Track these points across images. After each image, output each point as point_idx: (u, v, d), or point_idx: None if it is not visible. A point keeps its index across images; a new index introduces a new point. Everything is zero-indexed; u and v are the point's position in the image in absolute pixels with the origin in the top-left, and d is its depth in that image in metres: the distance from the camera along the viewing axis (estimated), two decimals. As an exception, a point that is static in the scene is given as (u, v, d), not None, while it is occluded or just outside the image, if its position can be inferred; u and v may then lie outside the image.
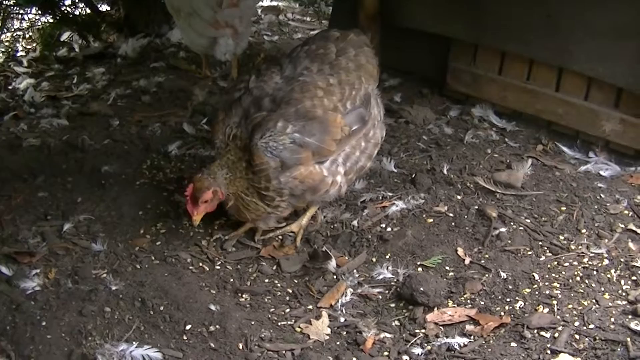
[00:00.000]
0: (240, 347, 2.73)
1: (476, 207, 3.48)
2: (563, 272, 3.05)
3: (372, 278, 3.13)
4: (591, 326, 2.73)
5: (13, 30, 7.13)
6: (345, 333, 2.86)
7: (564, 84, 4.16)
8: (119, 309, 2.84)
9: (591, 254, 3.14)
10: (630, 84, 3.83)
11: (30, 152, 4.13)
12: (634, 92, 3.85)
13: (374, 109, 3.41)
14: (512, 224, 3.36)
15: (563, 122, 4.17)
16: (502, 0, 4.26)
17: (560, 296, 2.91)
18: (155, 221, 3.47)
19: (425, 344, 2.74)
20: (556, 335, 2.70)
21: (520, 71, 4.33)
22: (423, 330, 2.82)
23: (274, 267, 3.25)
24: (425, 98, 4.72)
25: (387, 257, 3.24)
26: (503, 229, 3.31)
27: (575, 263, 3.10)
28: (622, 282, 2.97)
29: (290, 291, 3.11)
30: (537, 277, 3.03)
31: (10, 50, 6.71)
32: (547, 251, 3.20)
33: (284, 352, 2.73)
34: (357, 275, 3.14)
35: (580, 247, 3.19)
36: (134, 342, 2.66)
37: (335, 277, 3.15)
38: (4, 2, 6.33)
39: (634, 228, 3.28)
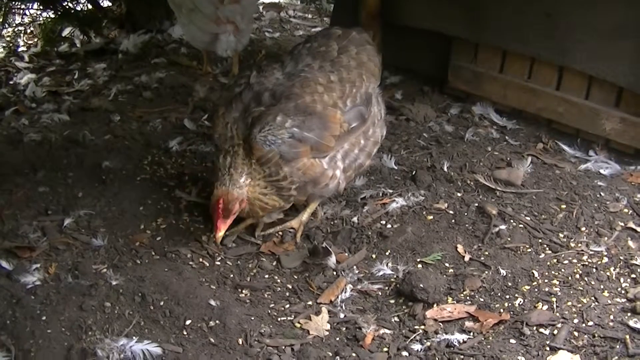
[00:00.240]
0: (240, 343, 2.74)
1: (476, 204, 3.49)
2: (562, 270, 3.06)
3: (372, 274, 3.13)
4: (590, 323, 2.73)
5: (14, 25, 7.14)
6: (344, 329, 2.86)
7: (565, 82, 4.16)
8: (119, 304, 2.85)
9: (591, 252, 3.15)
10: (631, 82, 3.84)
11: (31, 147, 4.13)
12: (634, 91, 3.86)
13: (374, 107, 3.41)
14: (512, 221, 3.37)
15: (563, 121, 4.18)
16: (503, -2, 4.27)
17: (559, 293, 2.92)
18: (155, 217, 3.47)
19: (425, 340, 2.75)
20: (555, 332, 2.71)
21: (521, 69, 4.33)
22: (422, 327, 2.83)
23: (274, 263, 3.25)
24: (426, 96, 4.72)
25: (387, 253, 3.25)
26: (503, 227, 3.32)
27: (575, 261, 3.11)
28: (622, 279, 2.98)
29: (290, 287, 3.11)
30: (536, 274, 3.04)
31: (11, 45, 6.72)
32: (547, 249, 3.20)
33: (283, 347, 2.74)
34: (356, 272, 3.15)
35: (579, 245, 3.20)
36: (134, 337, 2.66)
37: (335, 273, 3.15)
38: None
39: (633, 226, 3.29)
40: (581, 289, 2.94)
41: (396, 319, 2.91)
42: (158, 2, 6.03)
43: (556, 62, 4.12)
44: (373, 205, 3.55)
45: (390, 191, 3.64)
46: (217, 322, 2.81)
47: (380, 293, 3.05)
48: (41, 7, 6.59)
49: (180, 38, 6.05)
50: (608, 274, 3.01)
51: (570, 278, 3.00)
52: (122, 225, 3.40)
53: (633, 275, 2.99)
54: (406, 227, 3.37)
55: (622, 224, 3.31)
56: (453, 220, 3.41)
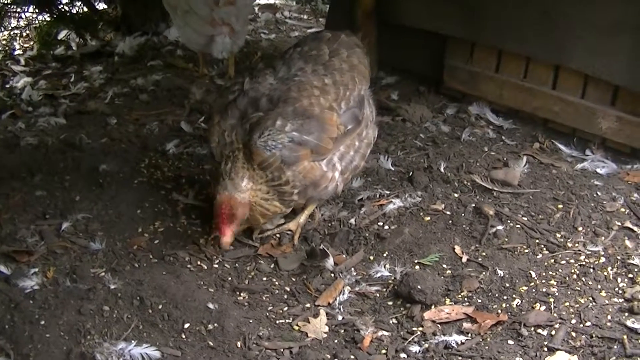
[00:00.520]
0: (239, 346, 2.74)
1: (473, 205, 3.49)
2: (560, 270, 3.06)
3: (370, 276, 3.14)
4: (588, 324, 2.74)
5: (10, 28, 7.13)
6: (343, 331, 2.87)
7: (561, 81, 4.16)
8: (117, 308, 2.84)
9: (588, 252, 3.15)
10: (627, 81, 3.84)
11: (28, 151, 4.13)
12: (630, 90, 3.86)
13: (367, 109, 3.43)
14: (509, 221, 3.37)
15: (560, 120, 4.18)
16: (499, -3, 4.28)
17: (557, 294, 2.92)
18: (153, 220, 3.47)
19: (423, 342, 2.75)
20: (553, 332, 2.71)
21: (517, 69, 4.34)
22: (420, 328, 2.83)
23: (272, 266, 3.25)
24: (422, 96, 4.72)
25: (385, 255, 3.25)
26: (500, 227, 3.32)
27: (572, 261, 3.11)
28: (619, 279, 2.99)
29: (288, 289, 3.11)
30: (534, 274, 3.04)
31: (7, 48, 6.71)
32: (544, 249, 3.21)
33: (282, 350, 2.74)
34: (354, 274, 3.15)
35: (577, 244, 3.20)
36: (132, 341, 2.66)
37: (332, 275, 3.15)
38: (1, 1, 6.33)
39: (630, 226, 3.29)
40: (578, 289, 2.94)
41: (394, 320, 2.91)
42: (154, 4, 6.03)
43: (552, 61, 4.13)
44: (370, 207, 3.55)
45: (387, 192, 3.64)
46: (216, 325, 2.81)
47: (378, 295, 3.06)
48: (37, 10, 6.59)
49: (176, 40, 6.05)
50: (605, 274, 3.02)
51: (567, 278, 3.01)
52: (119, 229, 3.40)
53: (630, 275, 2.99)
54: (403, 228, 3.37)
55: (619, 224, 3.31)
56: (450, 221, 3.42)
